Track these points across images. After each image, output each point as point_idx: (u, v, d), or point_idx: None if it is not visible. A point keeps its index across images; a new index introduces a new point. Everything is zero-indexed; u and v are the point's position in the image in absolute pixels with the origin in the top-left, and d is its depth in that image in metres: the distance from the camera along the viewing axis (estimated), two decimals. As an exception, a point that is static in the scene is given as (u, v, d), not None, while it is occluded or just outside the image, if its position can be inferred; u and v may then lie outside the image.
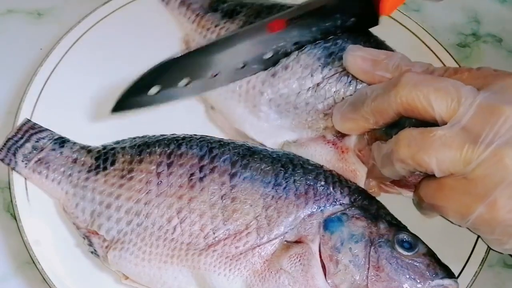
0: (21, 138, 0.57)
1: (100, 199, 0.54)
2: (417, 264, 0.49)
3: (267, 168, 0.53)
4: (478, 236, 0.55)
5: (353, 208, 0.51)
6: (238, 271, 0.50)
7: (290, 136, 0.58)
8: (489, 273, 0.60)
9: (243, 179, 0.52)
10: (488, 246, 0.51)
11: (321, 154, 0.57)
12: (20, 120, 0.59)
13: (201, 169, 0.53)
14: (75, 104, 0.61)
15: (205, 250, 0.50)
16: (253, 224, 0.50)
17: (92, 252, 0.53)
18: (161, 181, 0.53)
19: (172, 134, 0.57)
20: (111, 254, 0.52)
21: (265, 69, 0.59)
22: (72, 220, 0.55)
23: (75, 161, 0.56)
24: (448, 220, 0.49)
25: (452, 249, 0.55)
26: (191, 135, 0.56)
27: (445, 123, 0.47)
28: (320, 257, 0.49)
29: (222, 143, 0.55)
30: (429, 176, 0.48)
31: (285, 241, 0.50)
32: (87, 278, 0.54)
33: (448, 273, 0.49)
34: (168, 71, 0.57)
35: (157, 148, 0.55)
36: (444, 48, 0.66)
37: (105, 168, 0.55)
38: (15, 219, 0.55)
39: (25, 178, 0.56)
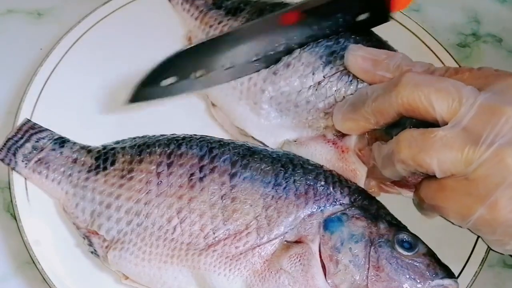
0: (21, 138, 0.57)
1: (100, 199, 0.54)
2: (417, 264, 0.49)
3: (267, 168, 0.53)
4: (478, 236, 0.55)
5: (353, 208, 0.51)
6: (238, 271, 0.50)
7: (291, 135, 0.58)
8: (489, 273, 0.60)
9: (243, 179, 0.52)
10: (489, 246, 0.51)
11: (321, 154, 0.57)
12: (20, 120, 0.59)
13: (201, 169, 0.53)
14: (75, 104, 0.62)
15: (205, 250, 0.50)
16: (253, 224, 0.50)
17: (92, 252, 0.53)
18: (161, 181, 0.53)
19: (172, 134, 0.57)
20: (111, 254, 0.52)
21: (276, 62, 0.59)
22: (72, 220, 0.55)
23: (75, 161, 0.56)
24: (449, 221, 0.49)
25: (452, 249, 0.55)
26: (191, 135, 0.56)
27: (446, 124, 0.47)
28: (320, 257, 0.49)
29: (222, 143, 0.55)
30: (429, 177, 0.48)
31: (285, 241, 0.50)
32: (87, 278, 0.54)
33: (448, 273, 0.49)
34: (183, 61, 0.56)
35: (157, 148, 0.55)
36: (444, 48, 0.66)
37: (105, 168, 0.55)
38: (15, 219, 0.55)
39: (25, 178, 0.56)
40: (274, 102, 0.59)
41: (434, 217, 0.53)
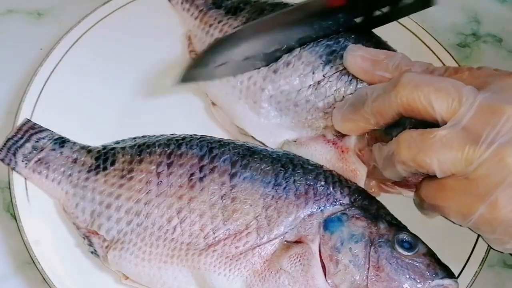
0: (21, 138, 0.57)
1: (100, 199, 0.54)
2: (417, 264, 0.49)
3: (267, 168, 0.53)
4: (478, 236, 0.55)
5: (353, 208, 0.51)
6: (238, 271, 0.50)
7: (290, 135, 0.58)
8: (489, 273, 0.60)
9: (243, 179, 0.52)
10: (489, 246, 0.51)
11: (321, 154, 0.57)
12: (20, 120, 0.59)
13: (201, 169, 0.53)
14: (75, 104, 0.62)
15: (205, 250, 0.50)
16: (253, 224, 0.50)
17: (92, 252, 0.53)
18: (161, 181, 0.53)
19: (172, 134, 0.57)
20: (111, 254, 0.52)
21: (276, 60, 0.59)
22: (72, 220, 0.55)
23: (75, 161, 0.56)
24: (449, 220, 0.49)
25: (452, 249, 0.55)
26: (191, 135, 0.56)
27: (445, 123, 0.47)
28: (320, 257, 0.49)
29: (222, 143, 0.55)
30: (430, 177, 0.48)
31: (285, 241, 0.50)
32: (87, 278, 0.54)
33: (448, 273, 0.49)
34: (233, 44, 0.57)
35: (157, 148, 0.55)
36: (444, 48, 0.66)
37: (105, 168, 0.55)
38: (15, 219, 0.55)
39: (25, 178, 0.56)
40: (273, 101, 0.59)
41: (435, 217, 0.53)
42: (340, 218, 0.50)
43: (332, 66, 0.58)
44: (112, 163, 0.55)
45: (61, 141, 0.57)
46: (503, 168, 0.44)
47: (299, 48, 0.59)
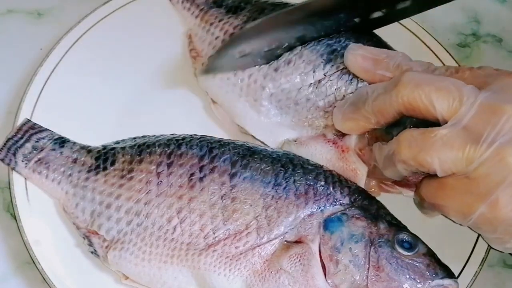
0: (21, 138, 0.57)
1: (100, 199, 0.54)
2: (417, 264, 0.49)
3: (267, 168, 0.53)
4: (478, 236, 0.55)
5: (353, 208, 0.51)
6: (238, 271, 0.50)
7: (291, 134, 0.58)
8: (489, 273, 0.60)
9: (243, 179, 0.52)
10: (489, 246, 0.51)
11: (321, 153, 0.57)
12: (20, 120, 0.59)
13: (201, 169, 0.53)
14: (75, 104, 0.61)
15: (205, 250, 0.50)
16: (253, 224, 0.50)
17: (92, 252, 0.53)
18: (161, 181, 0.53)
19: (172, 134, 0.57)
20: (111, 254, 0.52)
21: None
22: (72, 220, 0.55)
23: (75, 161, 0.56)
24: (450, 219, 0.49)
25: (452, 249, 0.55)
26: (191, 135, 0.56)
27: (446, 122, 0.47)
28: (320, 257, 0.49)
29: (222, 143, 0.55)
30: (430, 176, 0.48)
31: (285, 241, 0.50)
32: (87, 278, 0.54)
33: (448, 273, 0.49)
34: (256, 35, 0.58)
35: (157, 148, 0.55)
36: (444, 48, 0.66)
37: (105, 168, 0.55)
38: (15, 219, 0.55)
39: (25, 178, 0.56)
40: (274, 99, 0.59)
41: (435, 216, 0.53)
42: (340, 218, 0.50)
43: (333, 65, 0.58)
44: (112, 163, 0.55)
45: (61, 141, 0.57)
46: (503, 168, 0.44)
47: (300, 47, 0.59)
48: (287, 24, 0.59)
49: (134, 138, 0.58)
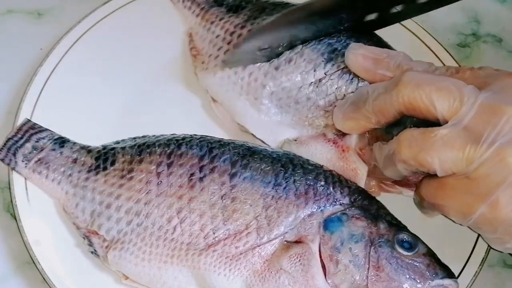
0: (21, 138, 0.57)
1: (100, 199, 0.54)
2: (417, 264, 0.49)
3: (267, 168, 0.53)
4: (478, 236, 0.55)
5: (353, 208, 0.51)
6: (238, 271, 0.50)
7: (291, 133, 0.58)
8: (489, 273, 0.60)
9: (243, 179, 0.52)
10: (489, 246, 0.51)
11: (321, 153, 0.57)
12: (20, 120, 0.59)
13: (201, 169, 0.53)
14: (75, 104, 0.61)
15: (205, 250, 0.50)
16: (253, 224, 0.50)
17: (92, 252, 0.53)
18: (161, 181, 0.53)
19: (172, 134, 0.57)
20: (111, 254, 0.52)
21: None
22: (72, 220, 0.55)
23: (75, 161, 0.56)
24: (450, 219, 0.49)
25: (452, 249, 0.55)
26: (191, 135, 0.56)
27: (446, 122, 0.47)
28: (320, 257, 0.49)
29: (222, 143, 0.55)
30: (430, 175, 0.48)
31: (285, 241, 0.50)
32: (87, 278, 0.54)
33: (448, 273, 0.49)
34: (277, 29, 0.58)
35: (157, 148, 0.55)
36: (444, 48, 0.66)
37: (105, 168, 0.55)
38: (15, 219, 0.55)
39: (25, 178, 0.56)
40: (274, 97, 0.59)
41: (435, 216, 0.53)
42: (340, 218, 0.50)
43: (333, 64, 0.58)
44: (112, 163, 0.55)
45: (61, 141, 0.57)
46: (504, 168, 0.44)
47: (301, 46, 0.59)
48: (304, 19, 0.59)
49: (134, 138, 0.58)
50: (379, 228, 0.50)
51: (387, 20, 0.60)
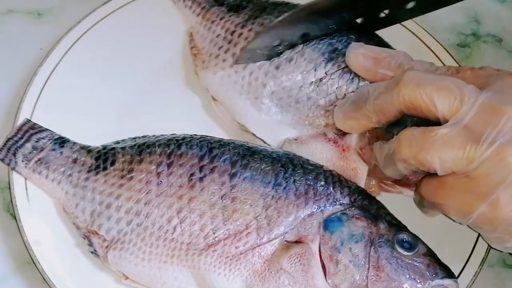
0: (21, 138, 0.57)
1: (100, 199, 0.54)
2: (417, 264, 0.49)
3: (267, 168, 0.53)
4: (478, 236, 0.55)
5: (353, 208, 0.51)
6: (238, 271, 0.50)
7: (291, 133, 0.58)
8: (489, 273, 0.60)
9: (243, 179, 0.52)
10: (489, 246, 0.51)
11: (322, 152, 0.57)
12: (20, 120, 0.59)
13: (201, 169, 0.53)
14: (75, 104, 0.61)
15: (205, 250, 0.50)
16: (253, 224, 0.50)
17: (92, 252, 0.53)
18: (161, 181, 0.53)
19: (172, 134, 0.57)
20: (111, 254, 0.52)
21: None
22: (72, 220, 0.55)
23: (75, 161, 0.56)
24: (450, 218, 0.49)
25: (452, 249, 0.55)
26: (191, 135, 0.56)
27: (447, 122, 0.47)
28: (320, 257, 0.49)
29: (222, 143, 0.55)
30: (430, 174, 0.48)
31: (285, 241, 0.50)
32: (87, 278, 0.54)
33: (448, 273, 0.49)
34: (289, 26, 0.58)
35: (157, 148, 0.55)
36: (444, 48, 0.66)
37: (105, 168, 0.55)
38: (15, 219, 0.55)
39: (25, 178, 0.56)
40: (275, 97, 0.59)
41: (435, 215, 0.53)
42: (340, 218, 0.50)
43: (334, 64, 0.58)
44: (112, 163, 0.55)
45: (61, 141, 0.57)
46: (504, 167, 0.44)
47: (302, 45, 0.59)
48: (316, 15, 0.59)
49: (134, 138, 0.58)
50: (379, 228, 0.50)
51: (390, 20, 0.60)
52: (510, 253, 0.59)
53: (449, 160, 0.46)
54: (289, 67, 0.59)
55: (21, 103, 0.60)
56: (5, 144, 0.57)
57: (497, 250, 0.50)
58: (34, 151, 0.56)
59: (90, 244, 0.53)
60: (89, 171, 0.55)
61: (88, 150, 0.57)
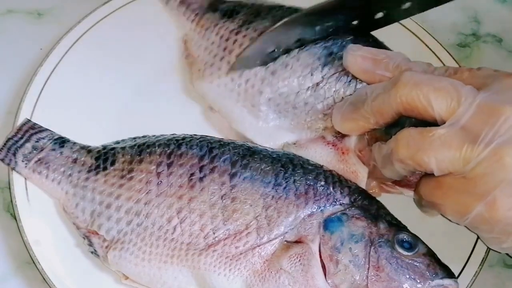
0: (21, 138, 0.57)
1: (100, 199, 0.54)
2: (417, 264, 0.49)
3: (267, 168, 0.53)
4: (478, 236, 0.55)
5: (353, 208, 0.51)
6: (238, 271, 0.50)
7: (290, 137, 0.58)
8: (489, 273, 0.60)
9: (243, 179, 0.52)
10: (485, 244, 0.51)
11: (321, 156, 0.57)
12: (20, 120, 0.59)
13: (201, 169, 0.53)
14: (75, 104, 0.62)
15: (205, 250, 0.50)
16: (253, 224, 0.50)
17: (92, 252, 0.53)
18: (161, 181, 0.53)
19: (172, 134, 0.57)
20: (111, 254, 0.52)
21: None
22: (72, 220, 0.55)
23: (75, 161, 0.56)
24: (447, 219, 0.49)
25: (452, 249, 0.55)
26: (191, 135, 0.56)
27: (444, 123, 0.47)
28: (320, 257, 0.49)
29: (222, 143, 0.55)
30: (428, 174, 0.48)
31: (285, 241, 0.50)
32: (87, 278, 0.54)
33: (448, 273, 0.49)
34: (285, 32, 0.58)
35: (157, 148, 0.55)
36: (444, 48, 0.66)
37: (105, 168, 0.55)
38: (15, 219, 0.55)
39: (25, 178, 0.56)
40: (272, 103, 0.58)
41: (435, 215, 0.53)
42: (340, 218, 0.50)
43: (330, 68, 0.58)
44: (112, 163, 0.55)
45: (61, 141, 0.57)
46: (501, 168, 0.44)
47: (297, 49, 0.59)
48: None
49: (134, 138, 0.58)
50: (379, 228, 0.50)
51: (387, 19, 0.60)
52: (507, 254, 0.59)
53: (446, 160, 0.46)
54: (285, 73, 0.58)
55: (21, 103, 0.60)
56: (5, 144, 0.57)
57: (494, 250, 0.50)
58: (34, 151, 0.56)
59: (90, 244, 0.53)
60: (89, 171, 0.55)
61: (88, 150, 0.57)
